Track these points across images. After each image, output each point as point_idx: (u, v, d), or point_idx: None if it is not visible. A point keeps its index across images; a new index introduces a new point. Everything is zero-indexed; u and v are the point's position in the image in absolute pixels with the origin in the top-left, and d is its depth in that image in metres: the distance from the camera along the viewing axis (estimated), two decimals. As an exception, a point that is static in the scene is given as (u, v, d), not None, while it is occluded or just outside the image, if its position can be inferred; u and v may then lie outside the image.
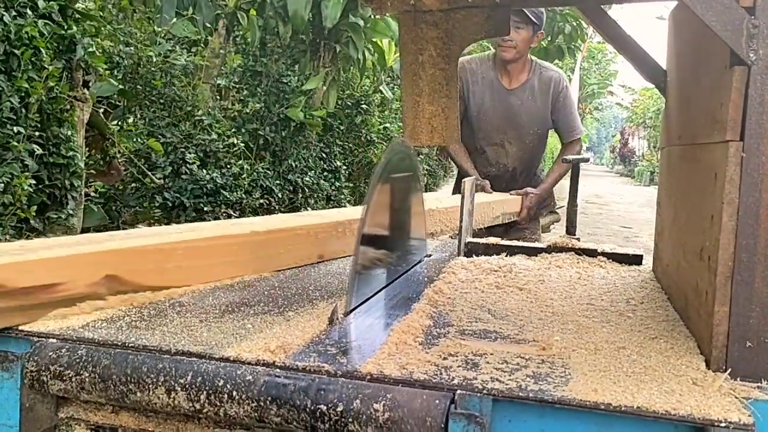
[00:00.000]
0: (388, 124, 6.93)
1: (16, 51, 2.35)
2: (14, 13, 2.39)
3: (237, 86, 4.69)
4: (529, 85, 2.96)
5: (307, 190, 4.97)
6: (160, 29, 4.15)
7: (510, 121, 2.99)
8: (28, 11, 2.46)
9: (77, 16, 2.76)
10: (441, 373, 1.00)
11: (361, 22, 4.95)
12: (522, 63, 2.96)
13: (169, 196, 3.67)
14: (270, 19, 4.61)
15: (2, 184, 2.25)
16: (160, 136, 3.88)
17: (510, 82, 2.98)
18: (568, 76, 15.09)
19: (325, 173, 5.63)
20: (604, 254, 2.07)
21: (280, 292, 1.51)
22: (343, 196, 5.75)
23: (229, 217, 3.64)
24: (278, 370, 1.02)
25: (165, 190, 3.73)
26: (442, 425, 0.92)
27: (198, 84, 4.16)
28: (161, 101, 4.00)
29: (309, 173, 5.13)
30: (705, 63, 1.29)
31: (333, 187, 5.63)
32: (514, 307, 1.44)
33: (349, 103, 6.16)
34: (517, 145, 3.05)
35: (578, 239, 2.32)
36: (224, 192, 3.70)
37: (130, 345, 1.10)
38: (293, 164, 4.95)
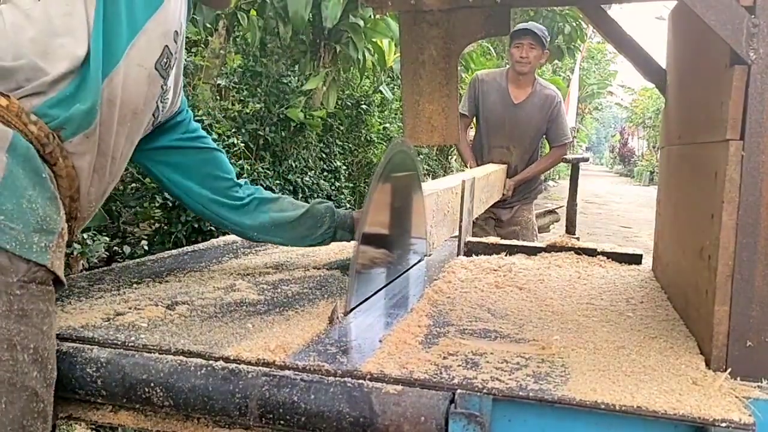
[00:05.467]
0: (388, 124, 6.92)
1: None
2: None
3: (237, 86, 4.68)
4: (531, 100, 3.67)
5: (307, 190, 4.96)
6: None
7: (515, 130, 3.67)
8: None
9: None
10: (441, 373, 1.00)
11: (361, 23, 4.94)
12: (530, 77, 3.68)
13: (170, 196, 3.66)
14: (270, 20, 4.60)
15: (2, 184, 2.24)
16: (160, 137, 3.87)
17: (517, 96, 3.66)
18: (568, 76, 15.10)
19: (325, 173, 5.62)
20: (603, 253, 2.07)
21: (281, 291, 1.51)
22: (343, 196, 5.74)
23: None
24: (278, 369, 1.02)
25: (165, 190, 3.73)
26: (442, 425, 0.93)
27: (198, 84, 4.16)
28: (161, 101, 3.99)
29: (309, 173, 5.12)
30: (705, 62, 1.29)
31: (333, 187, 5.62)
32: (513, 307, 1.44)
33: (349, 103, 6.15)
34: (519, 147, 3.70)
35: (578, 239, 2.32)
36: (224, 192, 3.69)
37: (130, 344, 1.10)
38: (293, 164, 4.94)
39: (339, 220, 1.69)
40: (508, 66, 3.84)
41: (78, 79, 1.15)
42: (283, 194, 1.78)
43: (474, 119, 3.85)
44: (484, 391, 0.95)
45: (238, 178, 1.65)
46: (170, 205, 3.48)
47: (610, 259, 2.04)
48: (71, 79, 1.15)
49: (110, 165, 1.28)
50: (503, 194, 3.63)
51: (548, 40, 3.74)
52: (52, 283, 1.07)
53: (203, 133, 1.63)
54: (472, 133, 4.29)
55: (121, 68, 1.20)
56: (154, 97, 1.32)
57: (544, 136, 3.83)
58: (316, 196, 5.04)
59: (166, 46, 1.28)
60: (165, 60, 1.29)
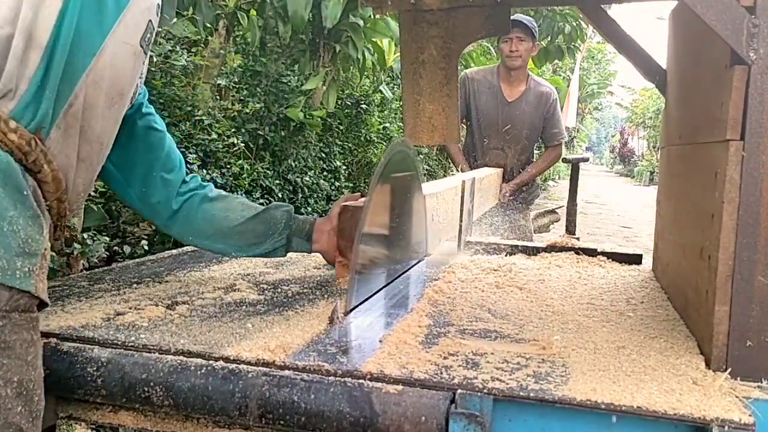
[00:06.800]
0: (388, 124, 6.92)
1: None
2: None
3: (237, 86, 4.68)
4: (525, 97, 3.52)
5: (306, 190, 4.95)
6: (160, 29, 4.15)
7: (509, 130, 3.53)
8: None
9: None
10: (441, 373, 1.00)
11: (361, 22, 4.94)
12: (523, 72, 3.52)
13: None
14: (270, 19, 4.60)
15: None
16: (159, 136, 3.86)
17: (510, 94, 3.51)
18: (568, 76, 15.09)
19: (325, 173, 5.62)
20: (603, 254, 2.07)
21: (281, 291, 1.51)
22: (342, 196, 5.74)
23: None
24: (278, 369, 1.02)
25: (165, 190, 3.71)
26: (443, 424, 0.92)
27: (198, 84, 4.15)
28: (161, 101, 3.99)
29: (309, 173, 5.12)
30: (705, 62, 1.29)
31: (333, 187, 5.62)
32: (514, 307, 1.44)
33: (348, 103, 6.15)
34: (514, 148, 3.58)
35: (578, 239, 2.32)
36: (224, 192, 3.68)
37: (130, 344, 1.10)
38: (293, 164, 4.93)
39: (295, 227, 1.53)
40: (498, 63, 3.67)
41: (46, 62, 1.03)
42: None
43: (465, 120, 3.67)
44: (485, 391, 0.95)
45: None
46: (170, 204, 3.47)
47: (610, 260, 2.04)
48: (39, 64, 1.03)
49: (98, 152, 1.19)
50: (499, 200, 3.49)
51: (537, 31, 3.57)
52: (35, 308, 1.00)
53: (156, 114, 1.48)
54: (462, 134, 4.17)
55: (108, 47, 1.11)
56: (138, 74, 1.24)
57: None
58: (315, 196, 5.04)
59: (150, 20, 1.20)
60: (149, 35, 1.21)
